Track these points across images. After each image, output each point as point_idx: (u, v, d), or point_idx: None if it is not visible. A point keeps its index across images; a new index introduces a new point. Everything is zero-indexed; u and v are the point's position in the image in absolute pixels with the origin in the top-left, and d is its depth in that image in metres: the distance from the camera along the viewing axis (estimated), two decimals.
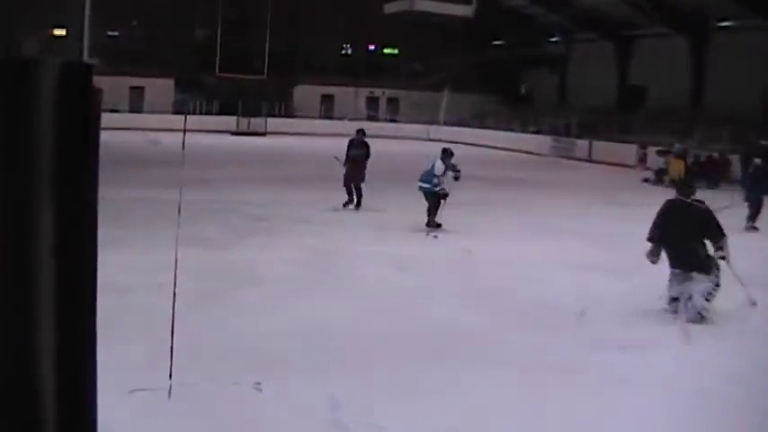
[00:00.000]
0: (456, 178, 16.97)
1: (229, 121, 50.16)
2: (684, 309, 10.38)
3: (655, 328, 10.13)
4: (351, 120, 53.28)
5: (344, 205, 19.33)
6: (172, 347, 6.47)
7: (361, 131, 20.35)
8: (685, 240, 10.80)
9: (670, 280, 10.79)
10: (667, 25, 44.97)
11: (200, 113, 50.40)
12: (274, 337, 9.07)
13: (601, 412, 7.39)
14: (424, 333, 9.57)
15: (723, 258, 10.73)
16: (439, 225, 16.63)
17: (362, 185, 19.50)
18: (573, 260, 14.36)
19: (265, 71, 53.66)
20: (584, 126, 44.15)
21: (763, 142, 30.32)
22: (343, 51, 60.02)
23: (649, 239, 11.17)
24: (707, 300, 10.45)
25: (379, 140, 47.03)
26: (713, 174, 31.47)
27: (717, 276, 10.62)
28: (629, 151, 38.68)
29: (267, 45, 53.03)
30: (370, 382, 7.83)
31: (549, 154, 44.12)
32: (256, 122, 49.95)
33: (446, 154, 16.99)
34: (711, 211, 11.04)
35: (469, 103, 54.47)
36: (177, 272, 5.74)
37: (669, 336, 9.79)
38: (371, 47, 60.02)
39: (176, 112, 47.02)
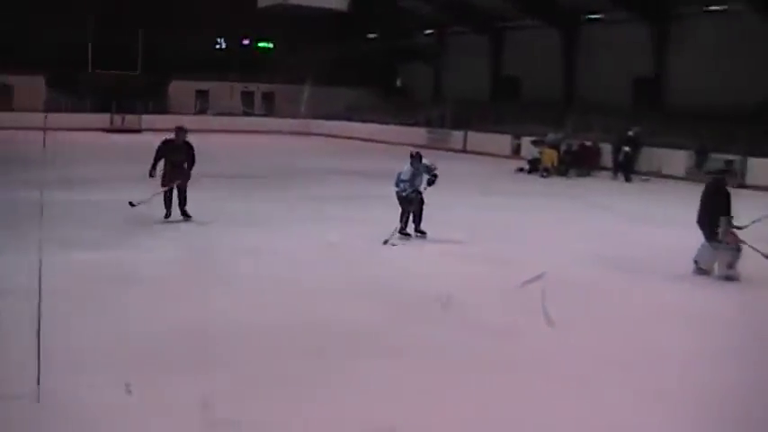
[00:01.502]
0: (430, 183, 15.41)
1: (103, 119, 48.92)
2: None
3: (530, 314, 10.18)
4: (224, 114, 52.88)
5: (166, 216, 16.35)
6: (39, 352, 6.48)
7: (181, 130, 16.51)
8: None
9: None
10: (539, 18, 45.66)
11: (73, 111, 48.87)
12: (152, 337, 8.79)
13: (482, 397, 7.42)
14: (306, 328, 9.39)
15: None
16: (424, 233, 15.52)
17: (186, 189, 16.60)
18: (453, 250, 14.40)
19: (139, 67, 52.58)
20: (459, 117, 44.42)
21: (631, 133, 31.13)
22: (217, 46, 59.07)
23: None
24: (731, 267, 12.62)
25: (253, 135, 47.33)
26: (585, 162, 32.08)
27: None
28: (503, 141, 39.13)
29: (140, 41, 51.84)
30: (247, 378, 7.65)
31: (425, 145, 44.23)
32: (131, 119, 48.82)
33: (414, 158, 15.61)
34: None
35: (347, 96, 54.37)
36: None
37: (541, 321, 9.92)
38: (246, 41, 59.23)
39: (48, 111, 45.47)
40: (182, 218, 16.34)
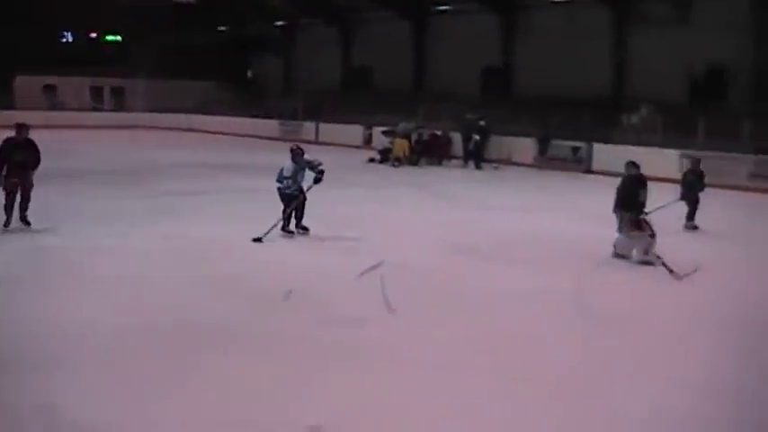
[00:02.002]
0: (317, 180, 14.88)
1: None
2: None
3: (381, 303, 10.11)
4: (73, 110, 51.21)
5: (5, 225, 14.75)
6: None
7: (23, 127, 14.97)
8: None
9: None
10: (390, 9, 45.79)
11: None
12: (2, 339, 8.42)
13: (338, 387, 7.39)
14: (161, 326, 9.09)
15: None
16: (306, 229, 14.94)
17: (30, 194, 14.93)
18: (308, 243, 14.20)
19: None
20: (311, 109, 44.24)
21: (482, 122, 31.56)
22: (63, 39, 57.07)
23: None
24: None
25: (103, 131, 45.92)
26: (436, 151, 32.32)
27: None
28: (355, 132, 39.08)
29: None
30: (97, 379, 7.40)
31: (277, 137, 43.95)
32: None
33: (295, 153, 14.97)
34: None
35: (198, 89, 53.31)
36: None
37: (400, 310, 9.92)
38: (93, 34, 57.42)
39: None
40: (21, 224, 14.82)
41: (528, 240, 15.15)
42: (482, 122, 31.81)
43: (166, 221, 16.18)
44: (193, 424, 6.55)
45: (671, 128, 28.48)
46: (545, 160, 30.88)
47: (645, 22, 34.75)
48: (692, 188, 16.96)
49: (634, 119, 31.16)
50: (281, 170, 14.84)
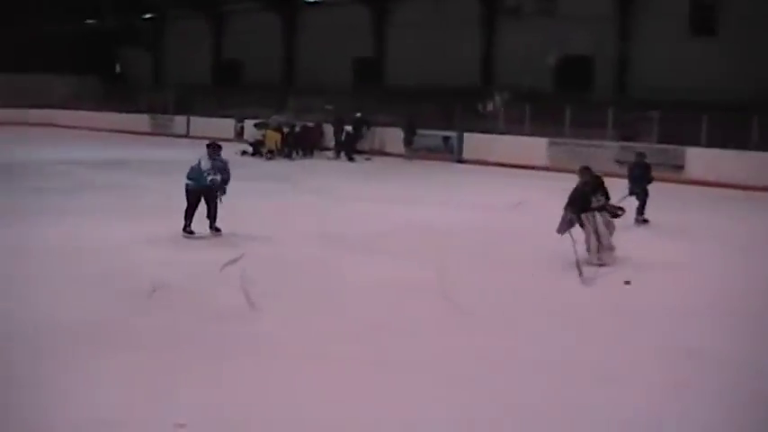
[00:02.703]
0: (222, 190, 14.07)
1: None
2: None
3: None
4: None
5: None
6: None
7: None
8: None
9: None
10: (259, 1, 45.43)
11: None
12: None
13: (214, 382, 7.29)
14: (34, 327, 8.77)
15: None
16: (219, 230, 14.18)
17: None
18: (178, 237, 13.90)
19: None
20: (182, 102, 43.62)
21: (359, 114, 31.74)
22: None
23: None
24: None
25: None
26: (308, 143, 32.29)
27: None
28: (227, 125, 38.61)
29: None
30: None
31: (148, 132, 43.27)
32: None
33: (212, 149, 14.17)
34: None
35: (65, 83, 51.67)
36: None
37: (270, 302, 9.85)
38: None
39: None
40: None
41: (398, 231, 15.20)
42: (358, 114, 32.02)
43: (39, 220, 15.61)
44: (61, 424, 6.37)
45: (539, 117, 29.03)
46: (413, 150, 31.13)
47: (513, 14, 35.34)
48: (639, 182, 16.77)
49: (489, 106, 31.66)
50: (196, 166, 14.04)
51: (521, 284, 11.43)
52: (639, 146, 25.08)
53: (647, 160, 17.60)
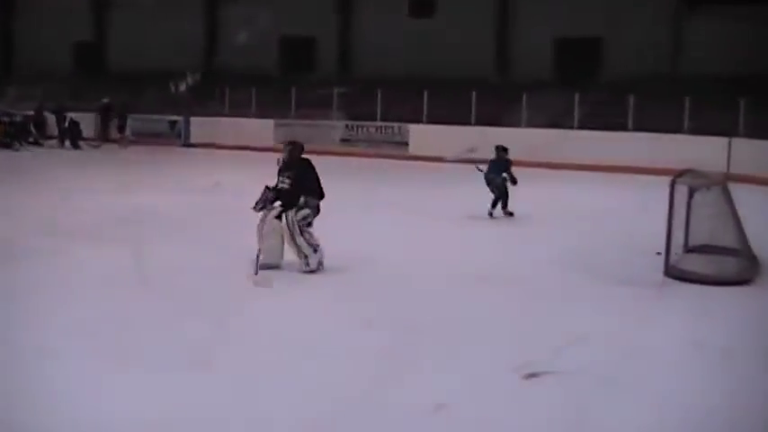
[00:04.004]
0: None
1: None
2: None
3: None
4: None
5: None
6: None
7: None
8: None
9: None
10: None
11: None
12: None
13: None
14: None
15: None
16: None
17: None
18: None
19: None
20: None
21: (105, 100, 30.84)
22: None
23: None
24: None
25: None
26: (31, 132, 30.92)
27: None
28: None
29: None
30: None
31: None
32: None
33: None
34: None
35: None
36: None
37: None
38: None
39: None
40: None
41: (123, 219, 14.73)
42: (105, 100, 31.16)
43: None
44: None
45: (265, 99, 29.07)
46: (126, 138, 30.68)
47: None
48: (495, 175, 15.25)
49: (182, 86, 31.41)
50: None
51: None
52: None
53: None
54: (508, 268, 11.10)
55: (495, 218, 15.05)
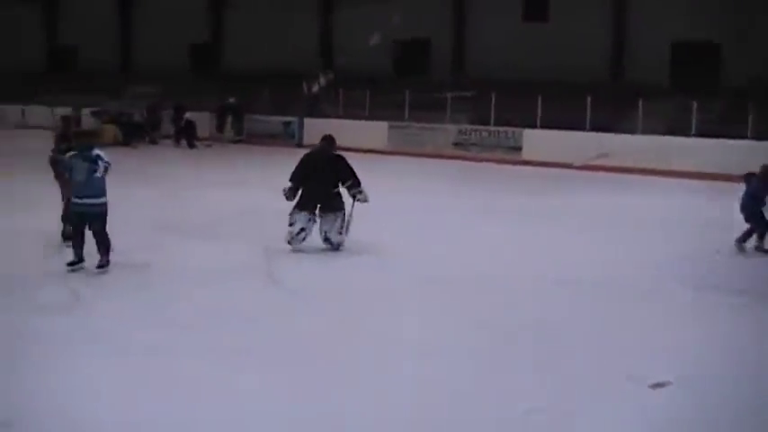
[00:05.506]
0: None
1: None
2: (323, 242, 12.08)
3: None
4: None
5: None
6: None
7: None
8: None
9: (296, 216, 12.06)
10: None
11: None
12: None
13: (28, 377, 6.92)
14: None
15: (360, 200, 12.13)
16: None
17: None
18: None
19: None
20: (16, 91, 42.02)
21: (231, 100, 31.55)
22: None
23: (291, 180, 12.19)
24: (340, 233, 12.10)
25: None
26: (147, 131, 31.70)
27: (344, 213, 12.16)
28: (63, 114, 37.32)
29: None
30: None
31: None
32: None
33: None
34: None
35: None
36: None
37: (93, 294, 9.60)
38: None
39: None
40: None
41: (236, 216, 15.07)
42: (231, 100, 31.78)
43: None
44: None
45: (378, 101, 29.26)
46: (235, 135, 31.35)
47: None
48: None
49: (315, 87, 31.75)
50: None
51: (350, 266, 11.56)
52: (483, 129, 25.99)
53: None
54: (618, 275, 10.98)
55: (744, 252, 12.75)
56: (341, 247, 12.18)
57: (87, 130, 11.30)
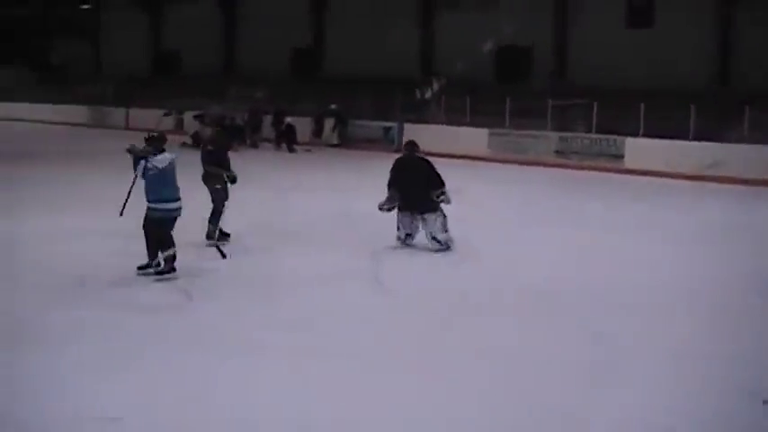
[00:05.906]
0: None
1: None
2: (430, 243, 12.61)
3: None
4: None
5: None
6: None
7: None
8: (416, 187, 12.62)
9: (401, 220, 12.84)
10: None
11: None
12: None
13: (138, 375, 7.16)
14: None
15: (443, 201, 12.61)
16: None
17: None
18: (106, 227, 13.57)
19: None
20: (120, 94, 43.07)
21: (333, 106, 31.80)
22: None
23: (389, 186, 12.91)
24: (445, 231, 12.56)
25: None
26: (247, 134, 32.12)
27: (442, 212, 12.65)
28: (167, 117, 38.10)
29: None
30: None
31: (86, 124, 42.73)
32: None
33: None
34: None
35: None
36: None
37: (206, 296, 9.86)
38: None
39: None
40: None
41: (335, 220, 15.22)
42: (333, 106, 32.07)
43: None
44: None
45: (478, 108, 29.16)
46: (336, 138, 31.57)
47: (451, 5, 35.47)
48: None
49: (427, 93, 31.75)
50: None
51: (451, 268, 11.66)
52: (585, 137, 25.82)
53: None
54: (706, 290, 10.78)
55: None
56: (450, 245, 12.57)
57: (157, 134, 11.26)
